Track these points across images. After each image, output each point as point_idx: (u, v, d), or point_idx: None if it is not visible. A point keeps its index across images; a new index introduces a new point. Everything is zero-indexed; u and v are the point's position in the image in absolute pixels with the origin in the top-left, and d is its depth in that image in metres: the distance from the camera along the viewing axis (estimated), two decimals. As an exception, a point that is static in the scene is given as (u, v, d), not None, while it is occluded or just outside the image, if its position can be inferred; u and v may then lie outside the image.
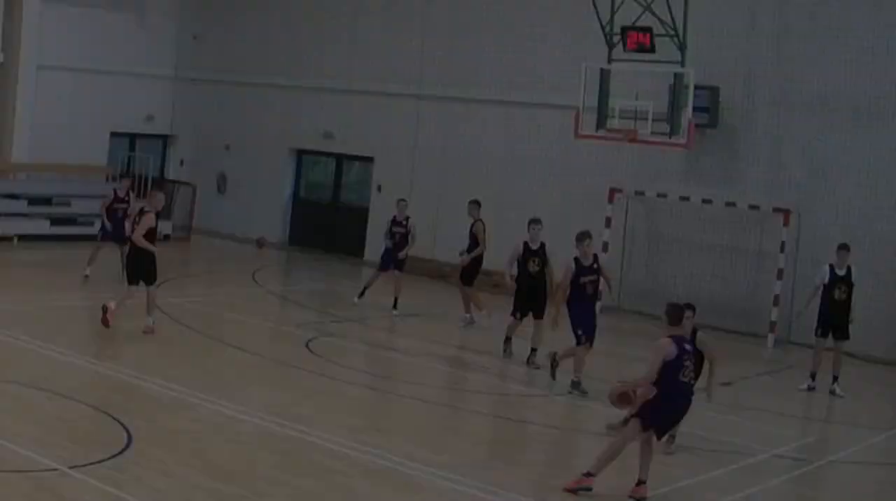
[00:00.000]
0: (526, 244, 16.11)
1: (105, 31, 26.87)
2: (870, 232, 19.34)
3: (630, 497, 10.29)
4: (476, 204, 19.14)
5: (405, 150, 25.25)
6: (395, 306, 19.01)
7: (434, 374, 15.76)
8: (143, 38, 27.80)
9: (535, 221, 16.31)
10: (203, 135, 28.96)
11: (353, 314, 19.29)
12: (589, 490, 10.27)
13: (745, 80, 20.62)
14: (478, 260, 18.89)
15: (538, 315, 15.94)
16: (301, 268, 22.86)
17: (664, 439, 11.28)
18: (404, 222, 19.44)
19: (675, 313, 10.58)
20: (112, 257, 19.40)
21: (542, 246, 16.19)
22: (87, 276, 19.30)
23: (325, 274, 23.82)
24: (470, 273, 18.87)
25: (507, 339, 16.34)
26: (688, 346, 10.52)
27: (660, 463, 11.85)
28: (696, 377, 11.38)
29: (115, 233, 19.74)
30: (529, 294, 16.02)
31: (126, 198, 20.35)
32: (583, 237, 14.76)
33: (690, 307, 11.70)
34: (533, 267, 16.01)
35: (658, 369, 10.25)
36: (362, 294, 19.60)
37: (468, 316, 18.80)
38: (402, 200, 19.80)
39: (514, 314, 16.18)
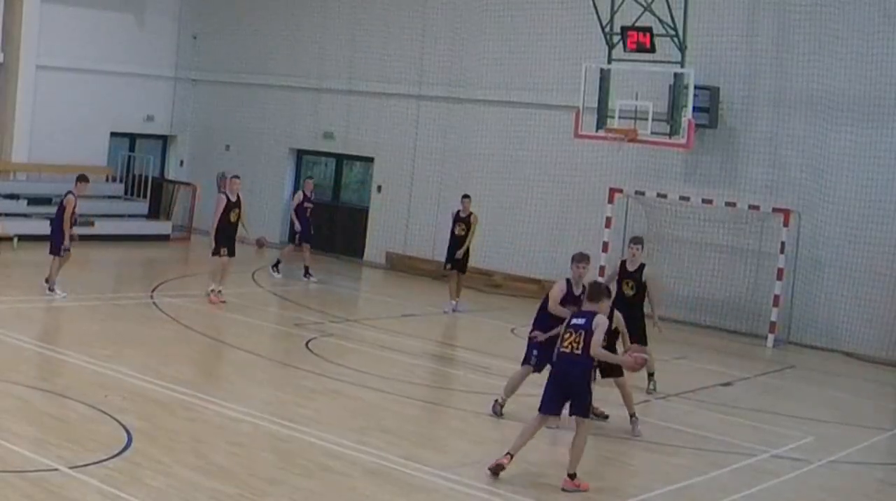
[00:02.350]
0: (623, 264, 14.69)
1: (105, 31, 26.88)
2: (870, 232, 19.34)
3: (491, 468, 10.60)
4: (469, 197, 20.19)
5: (405, 150, 25.26)
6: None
7: (434, 374, 15.76)
8: (143, 38, 27.82)
9: (635, 241, 14.74)
10: (203, 135, 28.98)
11: (353, 314, 19.29)
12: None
13: (745, 80, 20.62)
14: (468, 250, 19.95)
15: (637, 340, 14.17)
16: (301, 268, 22.80)
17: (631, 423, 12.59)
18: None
19: (592, 290, 11.02)
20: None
21: (641, 267, 14.50)
22: (65, 296, 17.79)
23: (325, 274, 23.79)
24: (467, 261, 20.00)
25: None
26: (578, 320, 10.67)
27: (659, 463, 11.88)
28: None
29: (68, 243, 17.74)
30: (625, 319, 14.16)
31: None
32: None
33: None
34: (627, 289, 14.45)
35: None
36: (276, 266, 22.07)
37: (455, 302, 19.87)
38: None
39: None
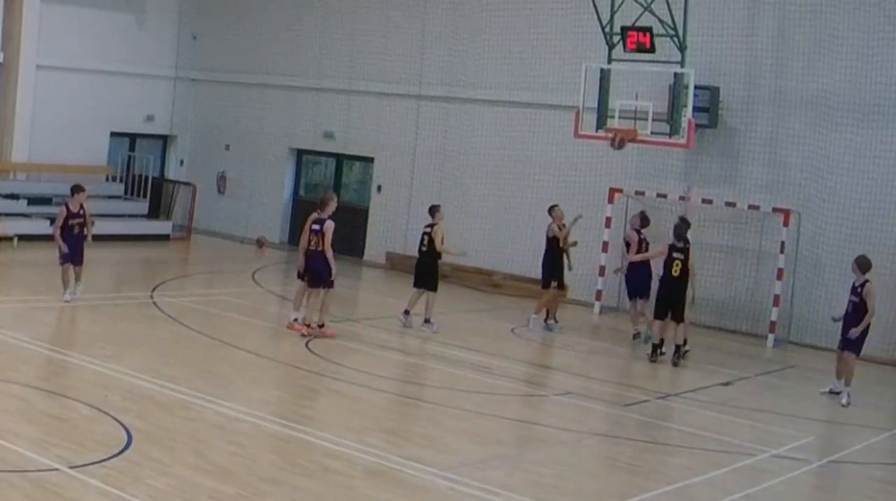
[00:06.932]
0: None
1: (105, 31, 26.87)
2: (870, 232, 19.33)
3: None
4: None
5: (405, 150, 25.26)
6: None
7: (434, 374, 15.76)
8: (143, 38, 27.82)
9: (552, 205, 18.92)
10: (203, 135, 28.98)
11: (353, 314, 19.29)
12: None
13: (745, 80, 20.61)
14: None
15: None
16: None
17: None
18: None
19: None
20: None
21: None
22: (67, 301, 17.44)
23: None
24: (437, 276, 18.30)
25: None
26: (315, 226, 15.96)
27: (659, 463, 11.88)
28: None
29: (71, 254, 17.29)
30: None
31: (80, 213, 17.53)
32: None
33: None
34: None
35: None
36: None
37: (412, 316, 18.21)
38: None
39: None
